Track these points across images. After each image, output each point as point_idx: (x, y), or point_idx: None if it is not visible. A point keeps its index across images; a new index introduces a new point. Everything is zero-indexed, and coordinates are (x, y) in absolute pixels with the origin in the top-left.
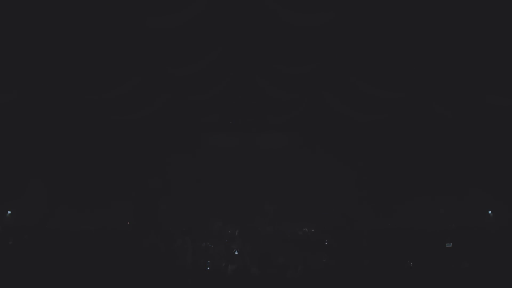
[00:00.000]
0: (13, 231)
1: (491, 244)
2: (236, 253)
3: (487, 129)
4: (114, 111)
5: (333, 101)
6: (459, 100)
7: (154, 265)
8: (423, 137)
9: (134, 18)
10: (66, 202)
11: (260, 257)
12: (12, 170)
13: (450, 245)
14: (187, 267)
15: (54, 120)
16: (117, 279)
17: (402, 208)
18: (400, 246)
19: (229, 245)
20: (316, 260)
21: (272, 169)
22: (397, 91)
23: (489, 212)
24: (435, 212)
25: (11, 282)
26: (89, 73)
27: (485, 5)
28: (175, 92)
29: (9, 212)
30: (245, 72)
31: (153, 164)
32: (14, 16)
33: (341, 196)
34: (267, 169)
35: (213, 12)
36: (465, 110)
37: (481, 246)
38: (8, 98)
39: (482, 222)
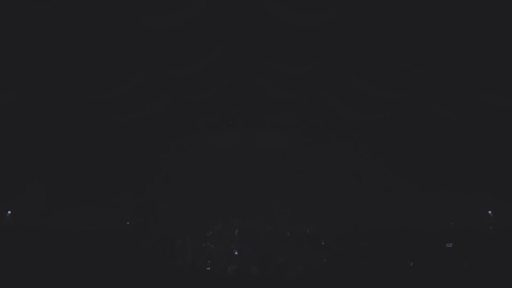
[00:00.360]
0: (13, 231)
1: (491, 244)
2: (236, 253)
3: (487, 129)
4: (114, 111)
5: (333, 101)
6: (459, 100)
7: (154, 265)
8: (423, 137)
9: (133, 19)
10: (66, 202)
11: (260, 257)
12: (12, 170)
13: (450, 245)
14: (187, 267)
15: (54, 120)
16: (117, 279)
17: (402, 208)
18: (400, 246)
19: (229, 245)
20: (316, 260)
21: (272, 169)
22: (397, 91)
23: (489, 212)
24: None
25: (11, 282)
26: (89, 73)
27: (485, 5)
28: (175, 92)
29: (9, 212)
30: (245, 72)
31: (153, 164)
32: (15, 16)
33: (341, 196)
34: (267, 169)
35: (212, 13)
36: (465, 110)
37: (480, 246)
38: (8, 98)
39: (482, 222)
